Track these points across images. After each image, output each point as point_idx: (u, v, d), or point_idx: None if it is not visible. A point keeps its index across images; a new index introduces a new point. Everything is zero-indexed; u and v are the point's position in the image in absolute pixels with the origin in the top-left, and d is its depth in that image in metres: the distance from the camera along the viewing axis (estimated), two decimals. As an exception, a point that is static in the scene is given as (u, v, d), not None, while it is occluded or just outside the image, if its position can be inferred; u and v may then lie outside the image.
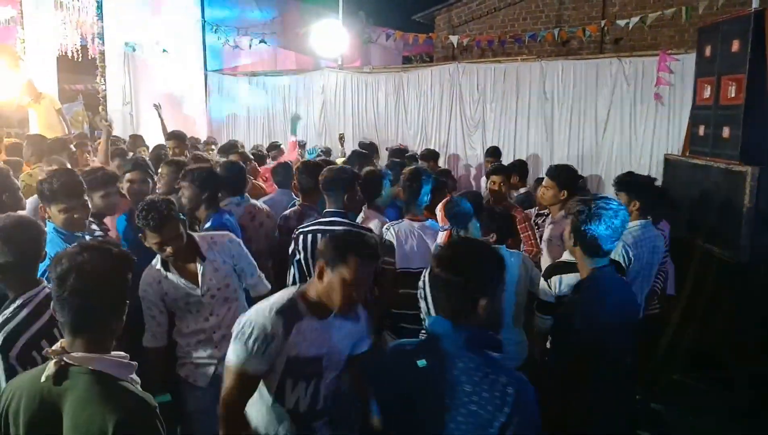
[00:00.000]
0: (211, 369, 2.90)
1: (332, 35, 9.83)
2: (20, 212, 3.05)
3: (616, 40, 9.63)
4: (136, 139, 7.38)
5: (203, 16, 10.16)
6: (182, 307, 2.85)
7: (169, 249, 2.73)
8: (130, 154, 5.97)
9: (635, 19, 7.31)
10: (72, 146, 5.63)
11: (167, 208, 2.72)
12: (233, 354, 2.05)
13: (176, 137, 6.07)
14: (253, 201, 4.14)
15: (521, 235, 4.17)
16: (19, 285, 2.16)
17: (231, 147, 6.16)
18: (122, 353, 1.67)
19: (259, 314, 2.08)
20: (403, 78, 8.60)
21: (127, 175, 3.82)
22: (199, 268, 2.83)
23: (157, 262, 2.86)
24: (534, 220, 4.53)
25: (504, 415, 1.63)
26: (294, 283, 3.26)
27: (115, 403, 1.53)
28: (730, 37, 4.60)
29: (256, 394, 2.16)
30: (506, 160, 7.40)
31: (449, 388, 1.69)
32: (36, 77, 9.58)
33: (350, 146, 8.06)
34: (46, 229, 2.77)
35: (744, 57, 4.40)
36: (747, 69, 4.37)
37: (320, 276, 2.14)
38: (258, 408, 2.19)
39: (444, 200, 3.22)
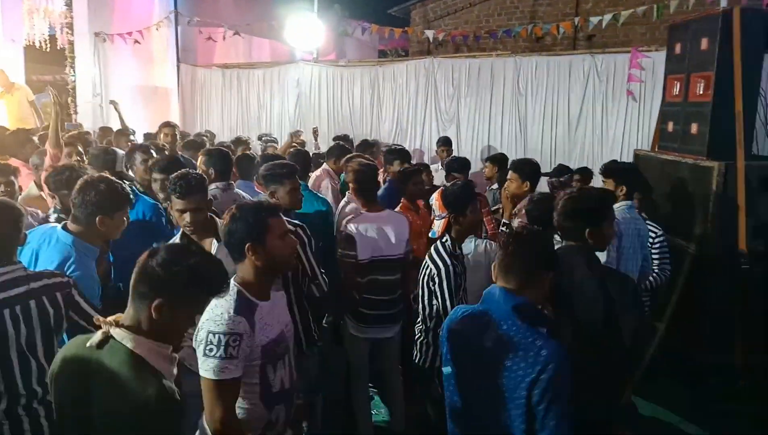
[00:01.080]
0: None
1: (308, 28, 9.77)
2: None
3: (588, 36, 9.76)
4: (106, 132, 7.23)
5: (176, 7, 9.99)
6: None
7: (187, 217, 2.81)
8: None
9: (608, 17, 7.41)
10: (36, 138, 5.49)
11: (196, 181, 2.87)
12: (207, 370, 2.00)
13: (170, 125, 6.10)
14: (237, 190, 4.14)
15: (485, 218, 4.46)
16: None
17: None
18: (167, 345, 1.74)
19: (218, 323, 2.02)
20: (379, 72, 8.59)
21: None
22: (213, 247, 2.85)
23: (177, 237, 2.92)
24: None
25: (535, 371, 1.89)
26: None
27: (140, 388, 1.59)
28: (699, 35, 4.69)
29: (247, 395, 2.13)
30: (480, 154, 7.47)
31: (492, 348, 2.00)
32: (2, 67, 9.34)
33: (325, 140, 8.03)
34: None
35: (712, 55, 4.49)
36: (715, 67, 4.46)
37: (256, 258, 2.15)
38: (249, 405, 2.16)
39: (439, 189, 3.34)
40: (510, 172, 4.33)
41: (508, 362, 1.95)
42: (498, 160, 6.00)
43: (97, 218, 2.65)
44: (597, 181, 6.73)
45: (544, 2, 10.39)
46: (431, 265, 3.13)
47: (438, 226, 3.23)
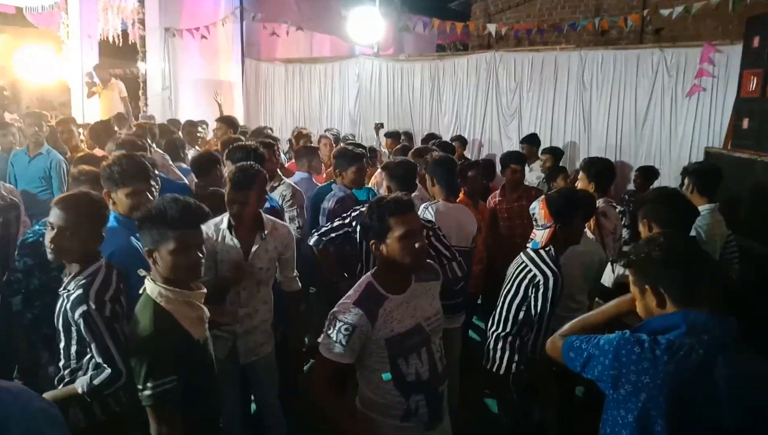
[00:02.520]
0: (229, 343, 3.03)
1: (369, 22, 9.84)
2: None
3: (656, 30, 9.46)
4: (175, 124, 7.52)
5: (241, 3, 10.25)
6: (222, 273, 2.96)
7: (236, 207, 2.91)
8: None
9: (679, 9, 7.17)
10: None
11: (254, 176, 2.94)
12: (323, 347, 2.15)
13: (226, 122, 6.27)
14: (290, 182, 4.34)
15: None
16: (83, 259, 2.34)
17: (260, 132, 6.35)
18: (182, 290, 2.14)
19: (340, 309, 2.16)
20: (439, 66, 8.58)
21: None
22: (256, 243, 2.98)
23: (223, 222, 3.00)
24: None
25: None
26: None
27: (138, 321, 2.09)
28: (780, 28, 4.51)
29: (380, 383, 2.22)
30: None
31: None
32: (79, 61, 9.84)
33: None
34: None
35: (794, 49, 4.32)
36: (797, 61, 4.29)
37: (379, 254, 2.22)
38: (386, 392, 2.23)
39: (543, 197, 3.13)
40: (580, 171, 4.25)
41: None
42: (553, 152, 5.97)
43: (104, 192, 2.81)
44: (665, 181, 6.58)
45: (610, -5, 10.13)
46: (536, 272, 2.89)
47: (541, 236, 3.03)
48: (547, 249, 2.96)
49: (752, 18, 5.15)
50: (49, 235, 2.31)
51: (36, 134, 5.24)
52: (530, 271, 2.92)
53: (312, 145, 5.81)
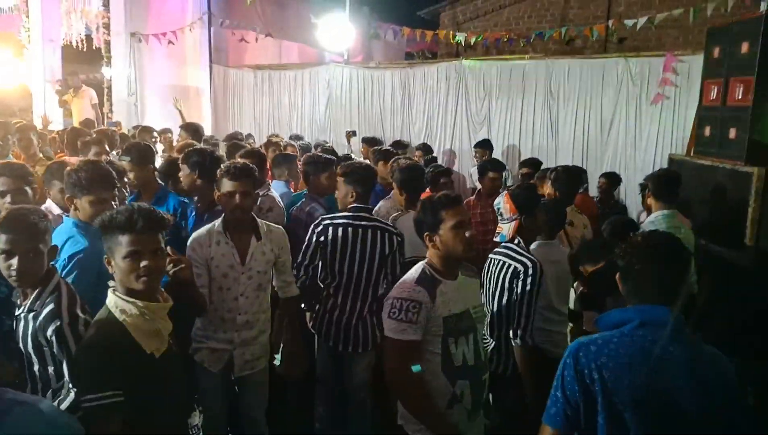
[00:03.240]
0: (226, 355, 2.98)
1: (339, 29, 9.85)
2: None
3: (620, 39, 9.68)
4: (145, 131, 7.38)
5: (209, 8, 10.15)
6: (218, 279, 2.90)
7: (238, 197, 2.87)
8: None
9: (643, 20, 7.35)
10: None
11: (248, 166, 2.98)
12: (391, 330, 2.29)
13: (189, 130, 6.18)
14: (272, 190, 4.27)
15: None
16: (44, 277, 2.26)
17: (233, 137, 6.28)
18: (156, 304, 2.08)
19: (402, 290, 2.33)
20: (410, 74, 8.62)
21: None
22: (252, 245, 2.94)
23: (219, 225, 2.95)
24: None
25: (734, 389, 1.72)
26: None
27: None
28: (740, 38, 4.64)
29: (428, 363, 2.32)
30: (510, 157, 7.44)
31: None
32: (42, 66, 9.60)
33: (356, 142, 8.10)
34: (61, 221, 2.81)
35: (753, 59, 4.44)
36: (756, 71, 4.41)
37: (433, 245, 2.39)
38: (432, 376, 2.32)
39: (506, 191, 3.30)
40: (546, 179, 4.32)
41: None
42: (533, 164, 6.01)
43: (66, 198, 2.80)
44: (629, 187, 6.71)
45: (575, 5, 10.33)
46: (515, 263, 3.00)
47: (508, 229, 3.16)
48: (516, 241, 3.12)
49: (712, 29, 5.30)
50: (10, 263, 2.15)
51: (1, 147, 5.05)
52: (509, 265, 3.04)
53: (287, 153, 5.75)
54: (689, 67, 6.69)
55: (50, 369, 2.17)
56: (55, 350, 2.11)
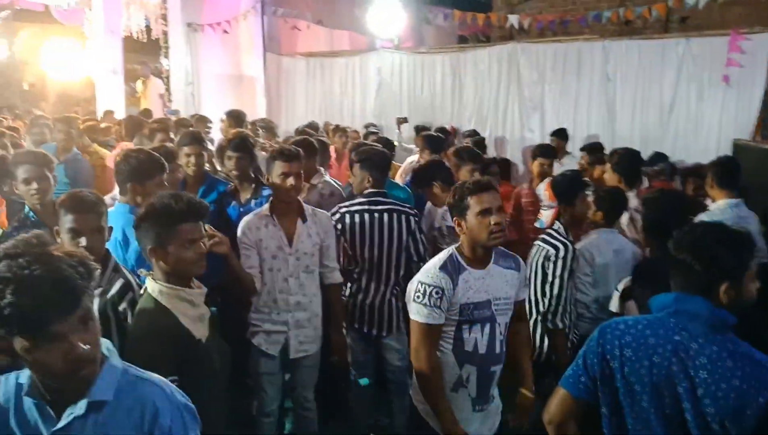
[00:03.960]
0: (282, 338, 3.10)
1: (389, 14, 9.81)
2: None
3: (682, 18, 9.30)
4: (201, 120, 7.59)
5: (262, -3, 10.28)
6: (269, 260, 3.03)
7: (291, 179, 2.97)
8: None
9: (706, -3, 7.04)
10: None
11: (299, 151, 3.10)
12: (415, 313, 2.39)
13: (232, 116, 6.34)
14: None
15: None
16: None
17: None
18: (182, 287, 2.13)
19: (426, 275, 2.40)
20: (461, 58, 8.52)
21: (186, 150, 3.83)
22: (298, 227, 3.05)
23: (266, 209, 3.10)
24: None
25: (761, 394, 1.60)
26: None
27: (143, 321, 2.10)
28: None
29: (441, 344, 2.43)
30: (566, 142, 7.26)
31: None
32: (103, 57, 9.98)
33: (407, 130, 8.09)
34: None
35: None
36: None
37: (461, 231, 2.42)
38: (441, 352, 2.43)
39: (549, 178, 3.34)
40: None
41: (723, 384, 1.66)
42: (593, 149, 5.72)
43: (128, 185, 2.94)
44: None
45: (634, -17, 9.96)
46: (547, 247, 3.10)
47: (547, 216, 3.22)
48: (555, 227, 3.15)
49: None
50: (78, 241, 2.29)
51: (65, 140, 5.29)
52: (542, 248, 3.14)
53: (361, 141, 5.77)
54: (755, 46, 6.38)
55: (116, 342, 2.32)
56: (129, 320, 2.28)
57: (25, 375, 1.42)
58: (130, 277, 2.40)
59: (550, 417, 1.94)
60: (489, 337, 2.42)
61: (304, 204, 3.16)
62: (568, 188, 3.19)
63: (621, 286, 3.06)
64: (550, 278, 3.04)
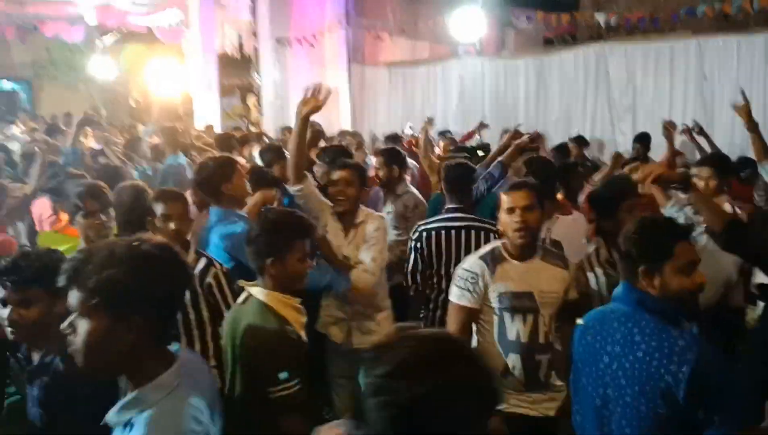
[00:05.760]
0: (345, 326, 3.20)
1: (471, 20, 9.75)
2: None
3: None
4: (289, 132, 7.89)
5: (347, 9, 10.53)
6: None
7: (338, 188, 3.14)
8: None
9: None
10: None
11: (355, 164, 3.29)
12: (451, 294, 2.59)
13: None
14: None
15: None
16: None
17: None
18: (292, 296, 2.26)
19: (467, 262, 2.60)
20: (545, 61, 8.36)
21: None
22: (355, 227, 3.18)
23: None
24: None
25: (674, 364, 1.77)
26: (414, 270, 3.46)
27: (264, 330, 2.13)
28: None
29: (486, 333, 2.57)
30: (662, 149, 6.93)
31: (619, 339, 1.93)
32: (200, 74, 10.61)
33: (488, 136, 8.01)
34: None
35: None
36: None
37: (499, 224, 2.60)
38: (488, 344, 2.55)
39: (589, 190, 3.14)
40: (704, 168, 3.76)
41: (639, 353, 1.87)
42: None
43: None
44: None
45: (734, -26, 9.33)
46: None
47: (588, 230, 3.02)
48: (594, 249, 2.93)
49: None
50: (168, 225, 2.67)
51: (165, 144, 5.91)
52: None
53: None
54: None
55: (204, 314, 2.62)
56: (215, 292, 2.63)
57: None
58: (209, 255, 2.78)
59: None
60: (531, 328, 2.50)
61: (362, 206, 3.27)
62: (606, 198, 2.87)
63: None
64: None
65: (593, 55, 7.84)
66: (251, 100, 10.59)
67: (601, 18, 8.74)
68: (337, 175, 3.17)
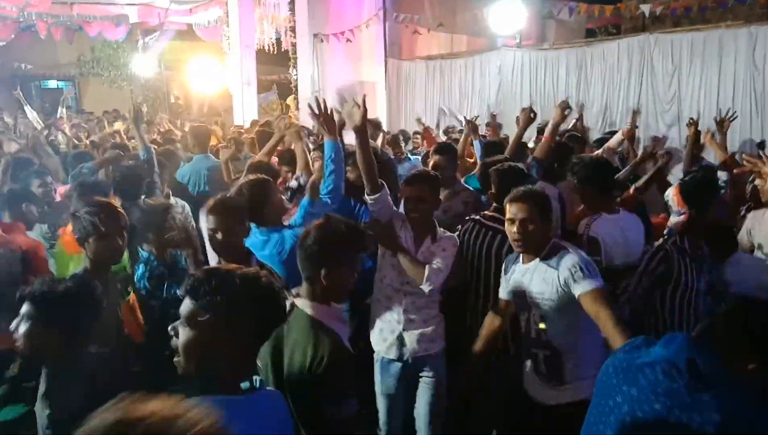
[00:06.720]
0: (395, 336, 2.96)
1: (510, 11, 9.61)
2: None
3: None
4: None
5: (384, 4, 10.50)
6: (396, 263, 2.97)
7: (410, 205, 2.97)
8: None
9: None
10: None
11: (429, 176, 3.10)
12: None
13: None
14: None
15: None
16: None
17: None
18: (339, 306, 2.19)
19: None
20: (587, 53, 8.15)
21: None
22: (426, 244, 2.96)
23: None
24: None
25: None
26: None
27: (317, 346, 1.94)
28: None
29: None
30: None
31: None
32: (238, 68, 10.73)
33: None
34: None
35: None
36: None
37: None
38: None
39: (678, 183, 3.03)
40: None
41: None
42: None
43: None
44: None
45: (788, -41, 8.95)
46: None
47: (676, 223, 2.91)
48: (677, 241, 2.83)
49: None
50: (216, 236, 2.71)
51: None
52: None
53: None
54: None
55: None
56: None
57: None
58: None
59: None
60: (526, 324, 2.66)
61: (438, 227, 3.05)
62: (701, 190, 2.87)
63: None
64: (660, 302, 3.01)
65: (637, 46, 7.61)
66: (292, 101, 10.65)
67: (645, 8, 8.50)
68: (408, 191, 3.00)
